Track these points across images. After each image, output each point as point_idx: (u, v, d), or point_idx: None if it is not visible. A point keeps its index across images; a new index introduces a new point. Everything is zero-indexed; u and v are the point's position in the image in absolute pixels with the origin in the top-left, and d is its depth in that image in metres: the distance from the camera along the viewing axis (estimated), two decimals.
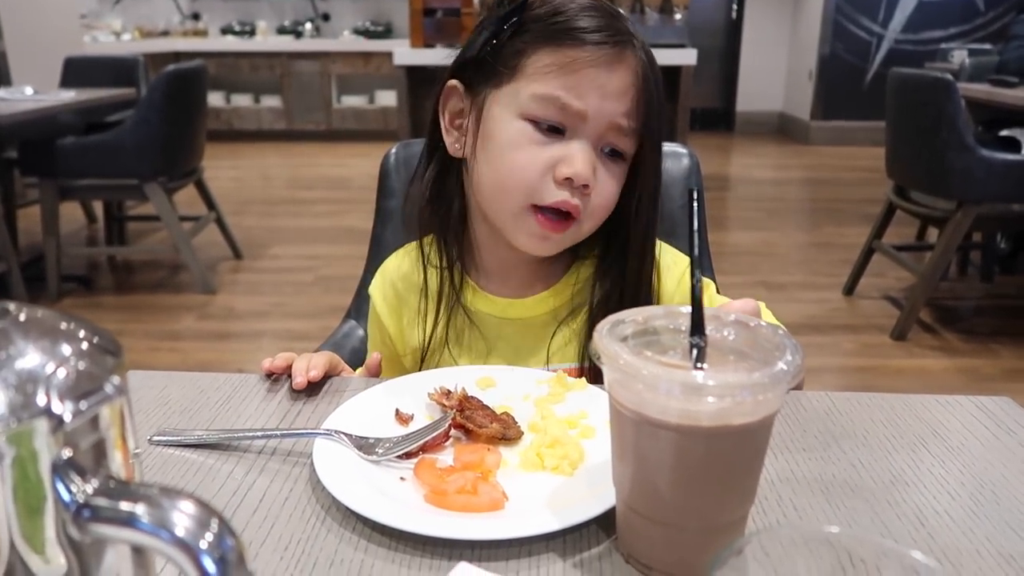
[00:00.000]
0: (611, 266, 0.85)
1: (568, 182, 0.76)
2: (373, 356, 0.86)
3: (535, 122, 0.77)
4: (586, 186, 0.76)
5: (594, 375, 0.80)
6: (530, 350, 0.87)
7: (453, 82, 0.83)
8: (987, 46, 5.17)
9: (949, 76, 2.71)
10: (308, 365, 0.76)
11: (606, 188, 0.79)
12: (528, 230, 0.79)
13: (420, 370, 0.90)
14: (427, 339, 0.89)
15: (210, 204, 3.74)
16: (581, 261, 0.89)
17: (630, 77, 0.76)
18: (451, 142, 0.84)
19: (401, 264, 0.93)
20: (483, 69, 0.80)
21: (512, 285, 0.89)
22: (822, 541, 0.41)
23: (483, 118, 0.80)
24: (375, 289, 0.94)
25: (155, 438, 0.66)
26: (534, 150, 0.77)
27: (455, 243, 0.88)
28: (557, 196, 0.77)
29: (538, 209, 0.78)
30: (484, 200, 0.83)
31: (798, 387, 0.77)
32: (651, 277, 0.86)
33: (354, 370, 0.88)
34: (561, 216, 0.78)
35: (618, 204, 0.81)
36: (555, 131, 0.77)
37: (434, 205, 0.87)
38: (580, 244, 0.86)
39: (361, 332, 1.10)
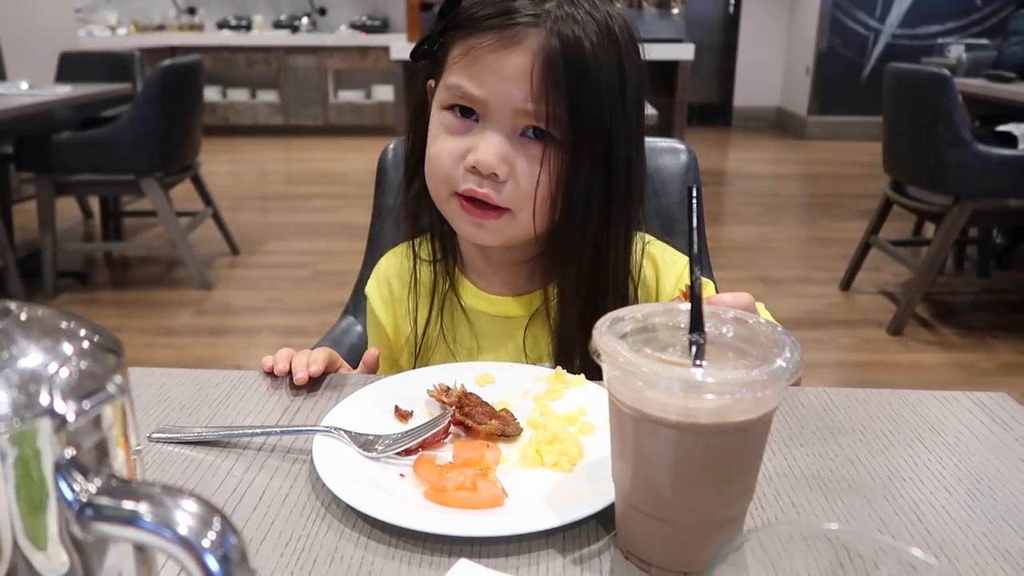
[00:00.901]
0: (564, 276, 0.83)
1: (475, 170, 0.76)
2: (371, 352, 0.87)
3: (451, 111, 0.78)
4: (495, 175, 0.76)
5: None
6: (517, 348, 0.88)
7: (430, 82, 0.84)
8: (984, 41, 5.18)
9: (946, 71, 2.71)
10: (308, 360, 0.76)
11: (525, 174, 0.76)
12: (458, 216, 0.80)
13: (415, 364, 0.90)
14: (420, 334, 0.89)
15: (207, 199, 3.73)
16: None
17: (528, 60, 0.73)
18: None
19: (396, 262, 0.94)
20: (429, 68, 0.83)
21: (501, 282, 0.89)
22: (820, 537, 0.41)
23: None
24: (371, 289, 0.94)
25: (154, 435, 0.66)
26: (448, 140, 0.78)
27: (448, 237, 0.89)
28: (466, 184, 0.77)
29: (458, 196, 0.79)
30: (428, 184, 0.84)
31: (795, 383, 0.77)
32: (618, 277, 0.83)
33: (352, 367, 0.88)
34: (482, 203, 0.78)
35: (561, 209, 0.78)
36: (471, 119, 0.78)
37: (422, 200, 0.88)
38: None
39: (359, 328, 1.10)
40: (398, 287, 0.92)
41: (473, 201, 0.78)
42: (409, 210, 0.90)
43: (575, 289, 0.82)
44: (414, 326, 0.90)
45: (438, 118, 0.80)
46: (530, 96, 0.74)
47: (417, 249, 0.91)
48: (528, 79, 0.73)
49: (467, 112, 0.78)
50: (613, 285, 0.82)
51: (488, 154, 0.75)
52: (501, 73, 0.74)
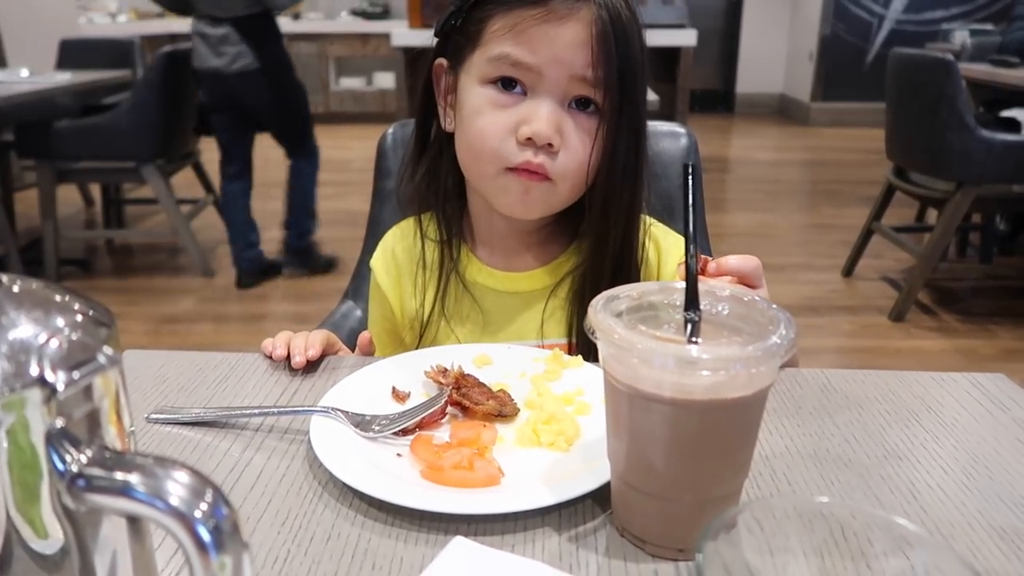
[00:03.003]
0: (599, 242, 0.84)
1: (530, 142, 0.76)
2: (363, 335, 0.87)
3: (494, 85, 0.78)
4: (550, 145, 0.76)
5: (582, 351, 0.80)
6: (525, 323, 0.88)
7: (440, 60, 0.84)
8: (989, 26, 5.14)
9: (950, 56, 2.69)
10: (306, 344, 0.76)
11: (575, 145, 0.78)
12: (506, 188, 0.80)
13: (419, 342, 0.91)
14: (426, 311, 0.90)
15: (208, 186, 3.73)
16: (581, 239, 0.89)
17: (584, 31, 0.75)
18: (444, 118, 0.85)
19: (402, 238, 0.94)
20: (454, 44, 0.82)
21: (511, 258, 0.90)
22: (815, 512, 0.41)
23: (458, 90, 0.82)
24: (376, 261, 0.95)
25: (152, 416, 0.67)
26: (496, 114, 0.78)
27: (455, 216, 0.89)
28: (521, 157, 0.77)
29: (510, 169, 0.79)
30: (465, 170, 0.84)
31: (793, 365, 0.77)
32: (635, 253, 0.85)
33: (352, 350, 0.88)
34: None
35: (602, 176, 0.80)
36: (517, 93, 0.77)
37: (429, 180, 0.88)
38: (580, 222, 0.86)
39: (359, 312, 1.10)
40: (404, 262, 0.93)
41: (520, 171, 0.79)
42: (417, 190, 0.90)
43: (607, 257, 0.83)
44: (421, 304, 0.90)
45: (479, 94, 0.79)
46: (590, 63, 0.75)
47: (424, 227, 0.91)
48: (588, 48, 0.74)
49: (511, 84, 0.77)
50: (636, 256, 0.84)
51: (543, 124, 0.75)
52: (559, 42, 0.74)
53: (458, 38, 0.81)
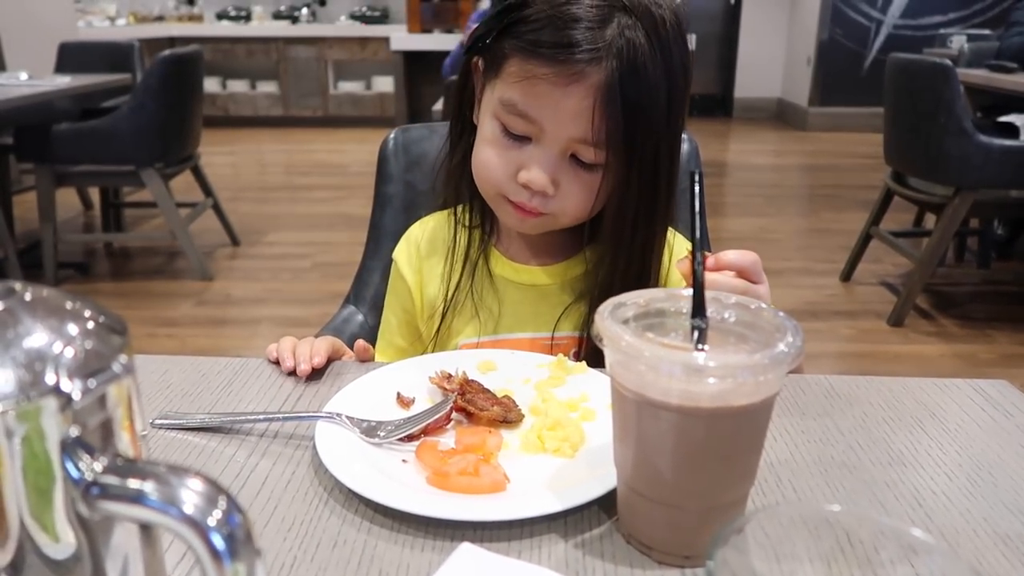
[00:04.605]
0: (618, 253, 0.84)
1: (527, 186, 0.78)
2: (359, 342, 0.87)
3: (501, 126, 0.79)
4: (545, 192, 0.78)
5: (590, 347, 0.80)
6: (539, 316, 0.89)
7: (477, 60, 0.85)
8: (986, 32, 5.15)
9: (948, 62, 2.70)
10: (311, 351, 0.76)
11: (571, 194, 0.79)
12: (505, 212, 0.84)
13: (439, 327, 0.92)
14: (450, 295, 0.91)
15: (207, 190, 3.73)
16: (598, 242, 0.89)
17: (588, 97, 0.73)
18: (476, 112, 0.87)
19: (430, 228, 0.96)
20: (484, 57, 0.83)
21: (531, 252, 0.92)
22: (821, 520, 0.41)
23: (482, 99, 0.83)
24: (399, 252, 0.97)
25: (157, 421, 0.67)
26: (501, 151, 0.80)
27: (487, 205, 0.91)
28: (519, 196, 0.80)
29: (509, 200, 0.81)
30: (475, 179, 0.86)
31: (799, 371, 0.77)
32: (654, 269, 0.85)
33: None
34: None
35: (611, 214, 0.81)
36: (521, 137, 0.79)
37: (463, 171, 0.90)
38: (598, 222, 0.86)
39: (360, 317, 1.10)
40: (427, 250, 0.95)
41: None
42: (451, 180, 0.92)
43: (620, 276, 0.83)
44: (445, 288, 0.92)
45: (491, 124, 0.80)
46: (590, 131, 0.75)
47: (459, 215, 0.93)
48: (589, 115, 0.74)
49: (516, 131, 0.78)
50: (653, 269, 0.85)
51: (540, 176, 0.77)
52: (561, 107, 0.74)
53: (487, 55, 0.81)
